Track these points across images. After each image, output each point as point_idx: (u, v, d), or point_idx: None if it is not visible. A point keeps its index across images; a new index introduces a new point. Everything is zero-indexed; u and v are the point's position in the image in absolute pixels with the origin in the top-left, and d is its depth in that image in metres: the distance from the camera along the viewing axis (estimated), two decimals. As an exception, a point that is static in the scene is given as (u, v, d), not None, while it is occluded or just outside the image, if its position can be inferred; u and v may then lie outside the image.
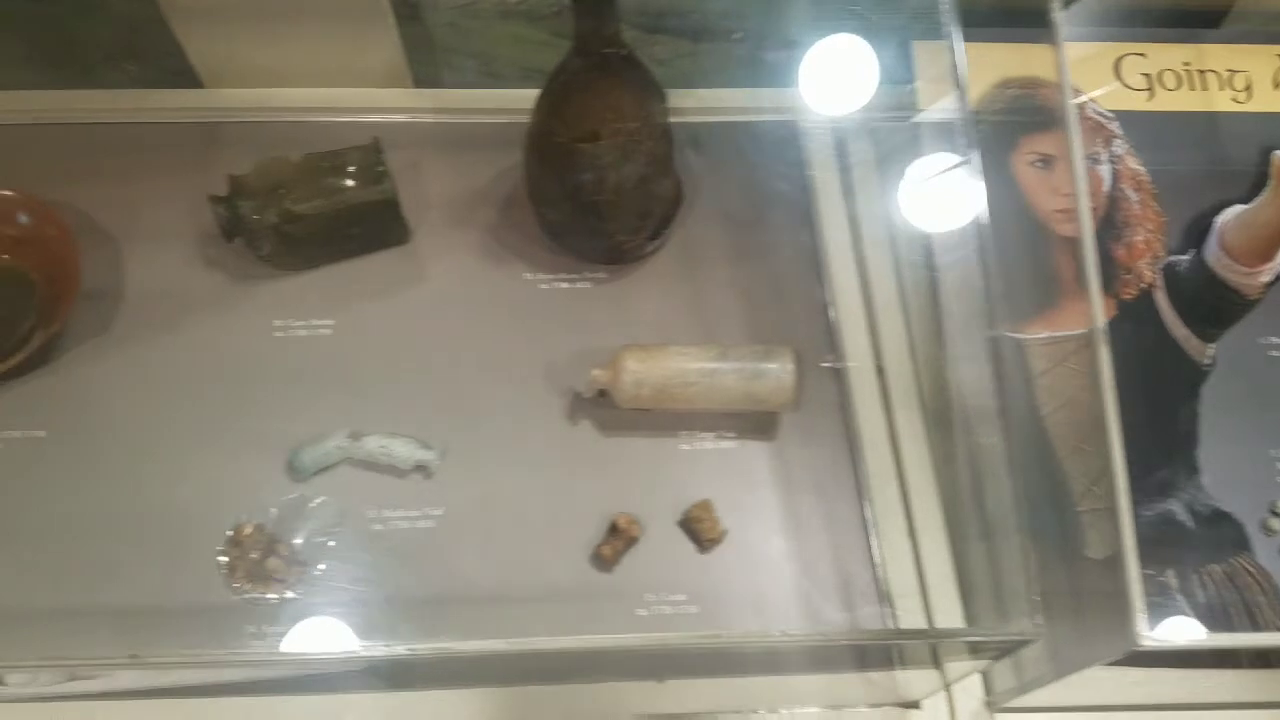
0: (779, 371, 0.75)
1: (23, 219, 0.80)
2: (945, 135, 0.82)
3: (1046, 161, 0.84)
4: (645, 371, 0.75)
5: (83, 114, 0.90)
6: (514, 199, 0.89)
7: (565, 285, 0.86)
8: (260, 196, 0.78)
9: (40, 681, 0.68)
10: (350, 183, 0.80)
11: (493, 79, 0.98)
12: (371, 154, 0.81)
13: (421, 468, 0.76)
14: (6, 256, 0.80)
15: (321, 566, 0.72)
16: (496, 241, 0.87)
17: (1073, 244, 0.81)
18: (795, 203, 0.90)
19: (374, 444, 0.75)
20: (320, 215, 0.79)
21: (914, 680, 0.73)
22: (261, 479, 0.75)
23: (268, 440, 0.77)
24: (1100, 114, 0.86)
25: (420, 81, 0.95)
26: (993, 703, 0.70)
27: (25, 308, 0.79)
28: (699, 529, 0.74)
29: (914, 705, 0.69)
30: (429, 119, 0.93)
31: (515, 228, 0.88)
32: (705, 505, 0.74)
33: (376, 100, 0.93)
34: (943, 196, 0.83)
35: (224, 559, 0.72)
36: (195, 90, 0.92)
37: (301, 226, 0.79)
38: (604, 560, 0.72)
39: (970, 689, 0.72)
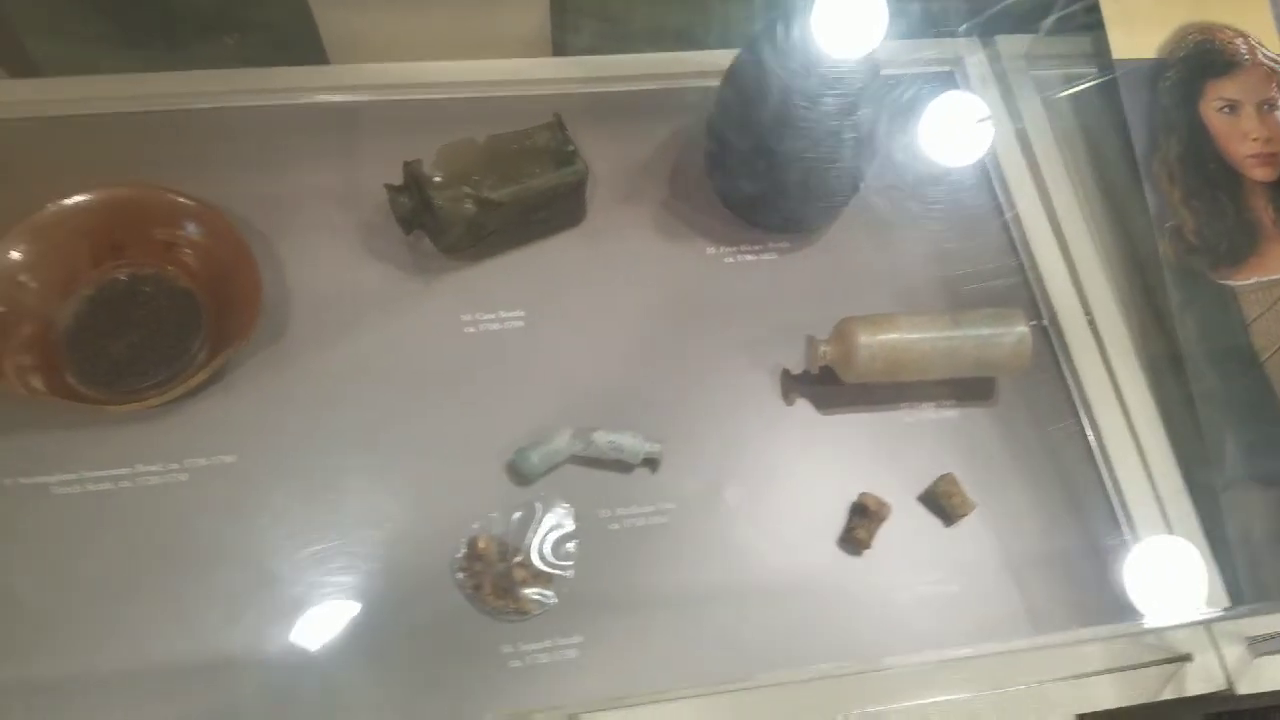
0: (1015, 335, 0.73)
1: (192, 229, 0.72)
2: (1132, 83, 0.81)
3: (1233, 107, 0.83)
4: (879, 344, 0.72)
5: (202, 98, 0.82)
6: (681, 169, 0.85)
7: (750, 258, 0.82)
8: (451, 185, 0.72)
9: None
10: (543, 164, 0.74)
11: (625, 43, 0.92)
12: (558, 132, 0.75)
13: (650, 461, 0.72)
14: (171, 269, 0.72)
15: (568, 574, 0.68)
16: (672, 215, 0.83)
17: (1267, 189, 0.81)
18: (971, 160, 0.87)
19: (603, 440, 0.70)
20: (516, 202, 0.73)
21: (1181, 636, 0.72)
22: (481, 485, 0.70)
23: (479, 443, 0.72)
24: (1272, 59, 0.86)
25: (557, 50, 0.89)
26: (1255, 648, 0.70)
27: (193, 327, 0.72)
28: (949, 504, 0.72)
29: (1186, 658, 0.69)
30: (577, 89, 0.87)
31: (688, 200, 0.84)
32: (952, 479, 0.72)
33: (520, 72, 0.87)
34: (1117, 142, 0.82)
35: (463, 575, 0.67)
36: (327, 67, 0.85)
37: (497, 215, 0.73)
38: (859, 544, 0.70)
39: (1232, 634, 0.71)
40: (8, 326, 0.68)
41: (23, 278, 0.69)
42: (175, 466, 0.68)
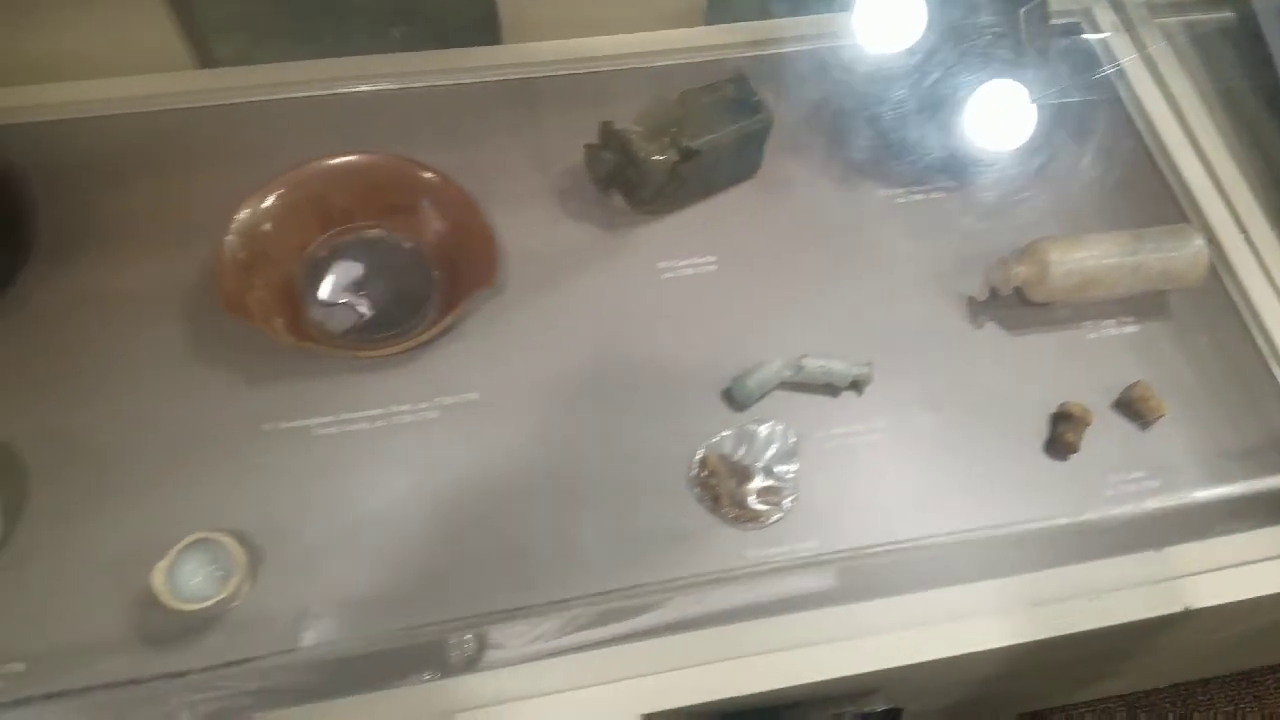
0: (1193, 248, 0.77)
1: (420, 192, 0.77)
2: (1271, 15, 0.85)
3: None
4: (1072, 260, 0.76)
5: (390, 79, 0.88)
6: (838, 122, 0.89)
7: (920, 197, 0.87)
8: (654, 138, 0.78)
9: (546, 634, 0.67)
10: (732, 114, 0.80)
11: (768, 10, 0.98)
12: (744, 84, 0.81)
13: (856, 384, 0.76)
14: (410, 244, 0.78)
15: (793, 487, 0.72)
16: (839, 163, 0.88)
17: None
18: (1108, 91, 0.94)
19: (814, 365, 0.75)
20: (712, 150, 0.78)
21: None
22: (700, 411, 0.75)
23: (691, 374, 0.76)
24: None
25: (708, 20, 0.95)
26: None
27: (426, 281, 0.77)
28: (1144, 408, 0.76)
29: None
30: (731, 54, 0.92)
31: (851, 148, 0.88)
32: (1146, 385, 0.76)
33: (678, 41, 0.92)
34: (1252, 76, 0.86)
35: (700, 490, 0.71)
36: (507, 47, 0.91)
37: (694, 164, 0.78)
38: (1068, 447, 0.74)
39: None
40: (252, 269, 0.73)
41: (266, 227, 0.75)
42: (425, 405, 0.73)
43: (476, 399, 0.74)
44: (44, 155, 0.79)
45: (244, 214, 0.74)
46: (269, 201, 0.75)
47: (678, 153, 0.77)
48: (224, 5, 0.84)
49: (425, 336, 0.73)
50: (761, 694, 0.66)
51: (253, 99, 0.86)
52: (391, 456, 0.71)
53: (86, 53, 0.83)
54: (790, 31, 0.94)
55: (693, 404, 0.75)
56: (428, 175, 0.77)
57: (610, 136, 0.79)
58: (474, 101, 0.89)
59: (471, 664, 0.64)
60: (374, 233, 0.79)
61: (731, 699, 0.64)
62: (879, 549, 0.69)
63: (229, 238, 0.73)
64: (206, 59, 0.88)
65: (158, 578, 0.61)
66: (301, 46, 0.89)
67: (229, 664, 0.62)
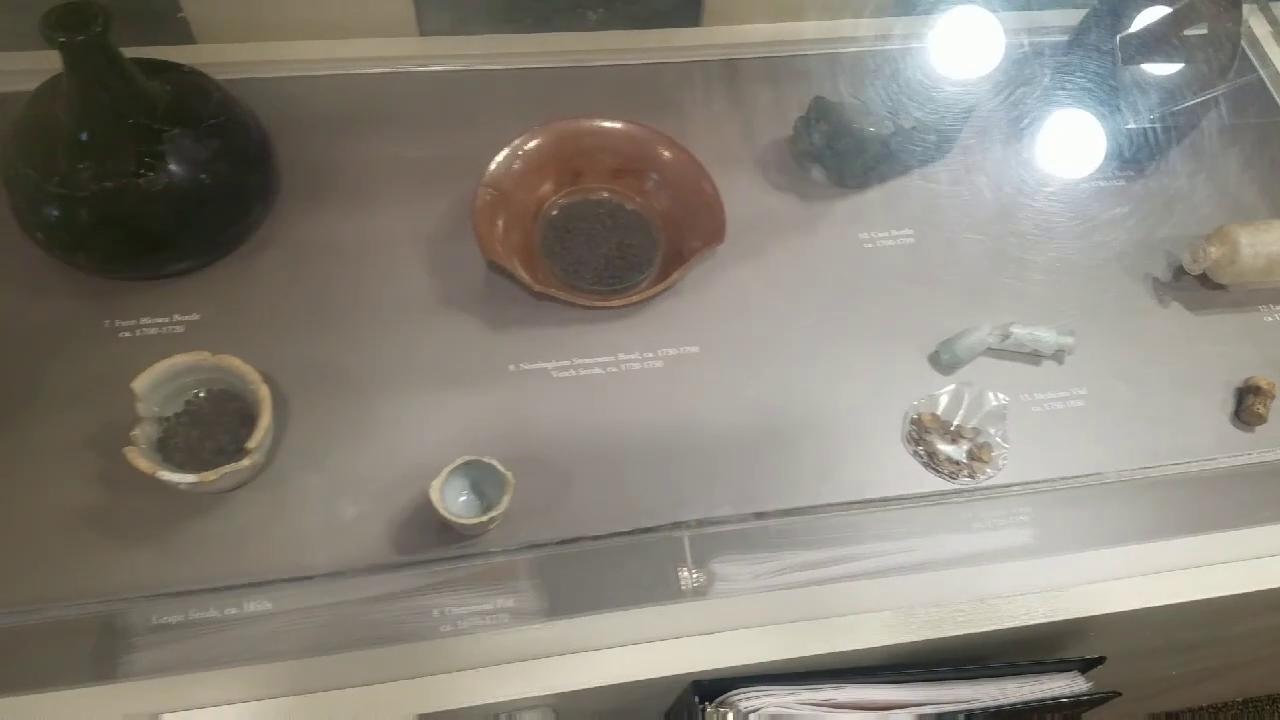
0: (1378, 237, 0.81)
1: (646, 156, 0.81)
2: None
3: None
4: (1261, 242, 0.80)
5: (600, 55, 0.93)
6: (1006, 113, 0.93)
7: (1104, 184, 0.92)
8: (868, 114, 0.83)
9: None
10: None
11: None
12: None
13: (1060, 352, 0.80)
14: (637, 201, 0.82)
15: (1005, 447, 0.75)
16: (1025, 148, 0.91)
17: None
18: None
19: (1022, 332, 0.79)
20: (922, 127, 0.83)
21: None
22: (908, 372, 0.79)
23: (896, 338, 0.80)
24: None
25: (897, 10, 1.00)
26: None
27: (652, 241, 0.82)
28: (1328, 386, 0.80)
29: None
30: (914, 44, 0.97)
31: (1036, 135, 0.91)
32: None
33: (875, 29, 0.97)
34: None
35: (915, 447, 0.75)
36: (705, 29, 0.96)
37: (905, 139, 0.83)
38: (1257, 418, 0.77)
39: None
40: (495, 211, 0.78)
41: (509, 183, 0.79)
42: (650, 355, 0.78)
43: (696, 352, 0.78)
44: (283, 108, 0.83)
45: (494, 167, 0.79)
46: (514, 158, 0.79)
47: (893, 126, 0.82)
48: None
49: (654, 291, 0.78)
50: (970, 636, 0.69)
51: (470, 68, 0.91)
52: (622, 399, 0.76)
53: (325, 16, 0.88)
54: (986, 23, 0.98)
55: (900, 366, 0.79)
56: (659, 139, 0.82)
57: (825, 109, 0.84)
58: (674, 80, 0.94)
59: (700, 594, 0.68)
60: (602, 194, 0.83)
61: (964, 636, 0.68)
62: (1090, 479, 0.73)
63: (482, 188, 0.77)
64: (423, 29, 0.93)
65: (435, 493, 0.65)
66: (503, 23, 0.94)
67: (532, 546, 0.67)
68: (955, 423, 0.76)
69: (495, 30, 0.94)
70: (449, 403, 0.74)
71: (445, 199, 0.83)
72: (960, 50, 0.95)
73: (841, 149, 0.84)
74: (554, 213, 0.83)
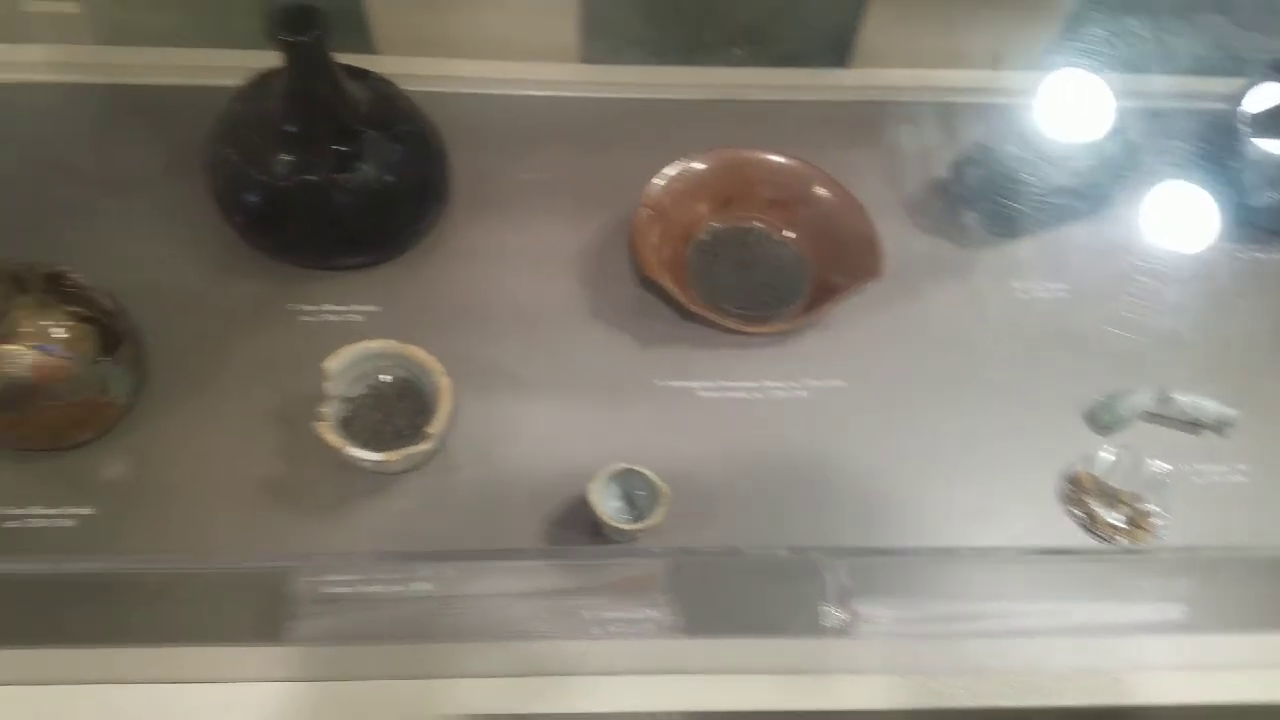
0: None
1: (797, 188, 0.83)
2: None
3: None
4: None
5: (745, 90, 0.95)
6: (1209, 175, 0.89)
7: (1261, 256, 0.89)
8: (1030, 164, 0.83)
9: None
10: (1104, 149, 0.84)
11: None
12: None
13: (1222, 424, 0.77)
14: (790, 233, 0.84)
15: (1167, 517, 0.73)
16: (1183, 212, 0.88)
17: None
18: None
19: (1185, 400, 0.77)
20: (1082, 178, 0.83)
21: None
22: (1061, 430, 0.78)
23: (1049, 393, 0.79)
24: None
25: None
26: None
27: (802, 270, 0.83)
28: None
29: None
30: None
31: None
32: None
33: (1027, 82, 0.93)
34: None
35: (1073, 507, 0.73)
36: (856, 70, 0.97)
37: (1067, 191, 0.83)
38: None
39: None
40: (651, 230, 0.80)
41: (668, 204, 0.81)
42: (796, 385, 0.78)
43: (844, 386, 0.78)
44: (454, 120, 0.86)
45: (654, 188, 0.81)
46: (674, 181, 0.82)
47: (1051, 178, 0.82)
48: (610, 9, 0.93)
49: (804, 321, 0.79)
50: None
51: (626, 95, 0.94)
52: (767, 425, 0.76)
53: (497, 37, 0.92)
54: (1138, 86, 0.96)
55: (1052, 420, 0.78)
56: (816, 174, 0.83)
57: (983, 156, 0.84)
58: (821, 118, 0.95)
59: (843, 631, 0.68)
60: (755, 223, 0.85)
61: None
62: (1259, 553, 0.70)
63: (641, 207, 0.80)
64: (585, 56, 0.97)
65: (593, 495, 0.66)
66: (657, 55, 0.97)
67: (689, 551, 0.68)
68: (1115, 486, 0.75)
69: (649, 61, 0.97)
70: (599, 411, 0.76)
71: (598, 217, 0.86)
72: (1123, 109, 0.95)
73: (998, 197, 0.84)
74: (706, 237, 0.84)
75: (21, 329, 0.62)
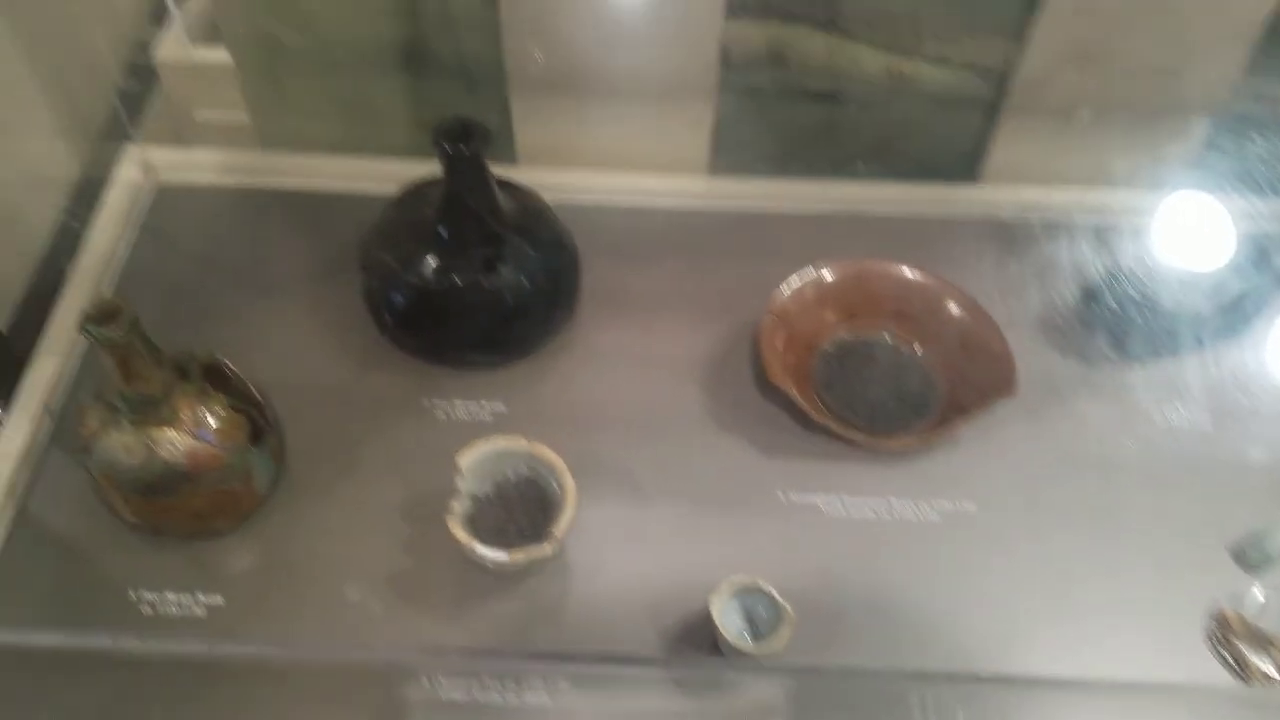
0: None
1: (927, 301, 0.83)
2: None
3: None
4: None
5: (870, 204, 0.96)
6: None
7: None
8: (1161, 289, 0.81)
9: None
10: (1245, 272, 0.82)
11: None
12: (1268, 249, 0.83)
13: (1386, 569, 0.72)
14: (918, 346, 0.83)
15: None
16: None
17: None
18: None
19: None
20: (1232, 300, 0.81)
21: None
22: (1201, 563, 0.73)
23: (1187, 521, 0.75)
24: None
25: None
26: None
27: (930, 385, 0.81)
28: None
29: None
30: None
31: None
32: None
33: (1155, 203, 0.91)
34: None
35: (1222, 649, 0.68)
36: (978, 187, 0.97)
37: (1219, 319, 0.81)
38: None
39: None
40: (777, 338, 0.80)
41: (794, 313, 0.82)
42: (925, 505, 0.76)
43: (974, 510, 0.76)
44: (585, 227, 0.88)
45: (781, 296, 0.82)
46: (802, 290, 0.82)
47: (1196, 301, 0.79)
48: (740, 125, 0.96)
49: (933, 437, 0.77)
50: None
51: (752, 207, 0.96)
52: (894, 546, 0.74)
53: (630, 150, 0.96)
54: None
55: (1196, 557, 0.73)
56: (946, 288, 0.83)
57: (1119, 277, 0.82)
58: (950, 234, 0.94)
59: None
60: (883, 334, 0.84)
61: None
62: None
63: (768, 314, 0.80)
64: (712, 169, 1.00)
65: (715, 610, 0.64)
66: (782, 169, 0.99)
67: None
68: (1266, 630, 0.69)
69: (775, 175, 0.99)
70: (719, 521, 0.74)
71: (722, 325, 0.86)
72: (1262, 232, 0.92)
73: (1133, 319, 0.82)
74: (832, 348, 0.84)
75: (181, 415, 0.65)
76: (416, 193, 0.78)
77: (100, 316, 0.60)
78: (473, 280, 0.74)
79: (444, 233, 0.74)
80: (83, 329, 0.60)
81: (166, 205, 0.93)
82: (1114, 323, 0.85)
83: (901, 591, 0.72)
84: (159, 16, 0.97)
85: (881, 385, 0.82)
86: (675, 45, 0.90)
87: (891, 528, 0.75)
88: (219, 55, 0.94)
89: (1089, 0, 0.84)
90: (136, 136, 0.96)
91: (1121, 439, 0.80)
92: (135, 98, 0.99)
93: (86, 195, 0.93)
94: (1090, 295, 0.86)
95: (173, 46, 0.96)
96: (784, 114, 0.96)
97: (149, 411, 0.65)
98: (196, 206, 0.94)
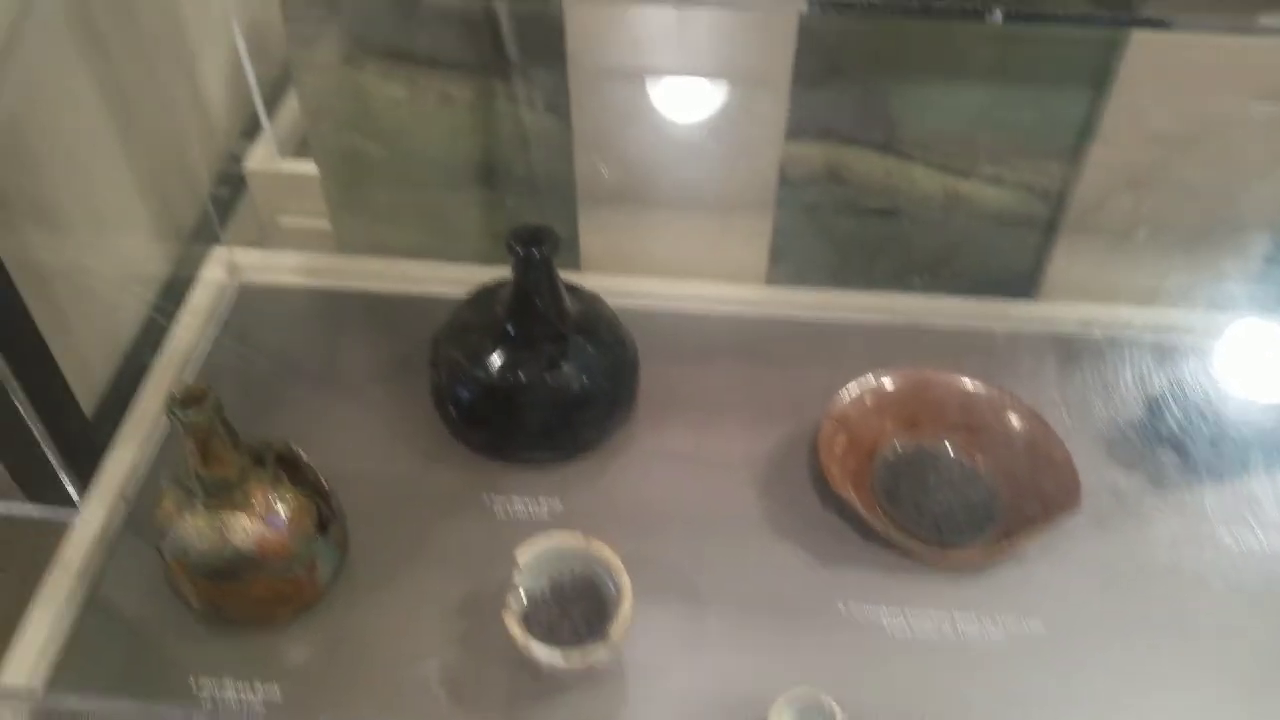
0: None
1: (986, 412, 0.83)
2: None
3: None
4: None
5: (925, 316, 0.97)
6: None
7: None
8: (1222, 407, 0.80)
9: None
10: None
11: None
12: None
13: None
14: (979, 458, 0.82)
15: None
16: None
17: None
18: None
19: None
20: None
21: None
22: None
23: (1272, 651, 0.72)
24: None
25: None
26: None
27: (992, 496, 0.80)
28: None
29: None
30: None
31: None
32: None
33: (1217, 324, 0.91)
34: None
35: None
36: (1036, 303, 0.98)
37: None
38: None
39: None
40: (836, 445, 0.80)
41: (854, 419, 0.82)
42: (989, 622, 0.74)
43: (1040, 629, 0.73)
44: (645, 331, 0.90)
45: (839, 404, 0.82)
46: (862, 398, 0.83)
47: (1263, 420, 0.78)
48: (797, 237, 0.99)
49: (998, 552, 0.75)
50: None
51: (808, 316, 0.98)
52: (958, 664, 0.71)
53: (690, 258, 0.99)
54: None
55: (1274, 677, 0.70)
56: (1009, 400, 0.83)
57: (1183, 395, 0.81)
58: (1008, 348, 0.95)
59: None
60: (943, 445, 0.84)
61: None
62: None
63: (827, 420, 0.81)
64: (770, 278, 1.02)
65: (774, 722, 0.63)
66: (837, 280, 1.01)
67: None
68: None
69: (833, 285, 1.01)
70: (775, 629, 0.73)
71: (779, 431, 0.86)
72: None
73: (1197, 438, 0.81)
74: (892, 456, 0.83)
75: (254, 500, 0.67)
76: (487, 294, 0.82)
77: (186, 400, 0.63)
78: (536, 377, 0.77)
79: (511, 331, 0.77)
80: (169, 411, 0.63)
81: (248, 304, 0.99)
82: (1179, 439, 0.84)
83: (965, 711, 0.70)
84: (252, 132, 1.05)
85: (943, 496, 0.81)
86: (736, 163, 0.94)
87: (955, 644, 0.73)
88: (305, 167, 1.00)
89: (1142, 125, 0.87)
90: (224, 239, 1.03)
91: (1191, 556, 0.78)
92: (224, 203, 1.06)
93: (174, 292, 0.99)
94: (1154, 411, 0.86)
95: (262, 158, 1.03)
96: (841, 228, 0.99)
97: (223, 495, 0.67)
98: (276, 306, 0.99)
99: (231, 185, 1.06)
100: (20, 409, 0.75)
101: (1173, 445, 0.84)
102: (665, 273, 1.01)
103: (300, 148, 1.03)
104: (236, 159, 1.04)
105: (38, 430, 0.76)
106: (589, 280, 0.88)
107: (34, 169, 0.80)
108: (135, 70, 0.92)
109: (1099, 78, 0.85)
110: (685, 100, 0.90)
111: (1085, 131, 0.88)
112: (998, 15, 0.77)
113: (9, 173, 0.77)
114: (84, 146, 0.87)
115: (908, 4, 0.78)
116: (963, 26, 0.84)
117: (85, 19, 0.85)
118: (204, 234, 1.03)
